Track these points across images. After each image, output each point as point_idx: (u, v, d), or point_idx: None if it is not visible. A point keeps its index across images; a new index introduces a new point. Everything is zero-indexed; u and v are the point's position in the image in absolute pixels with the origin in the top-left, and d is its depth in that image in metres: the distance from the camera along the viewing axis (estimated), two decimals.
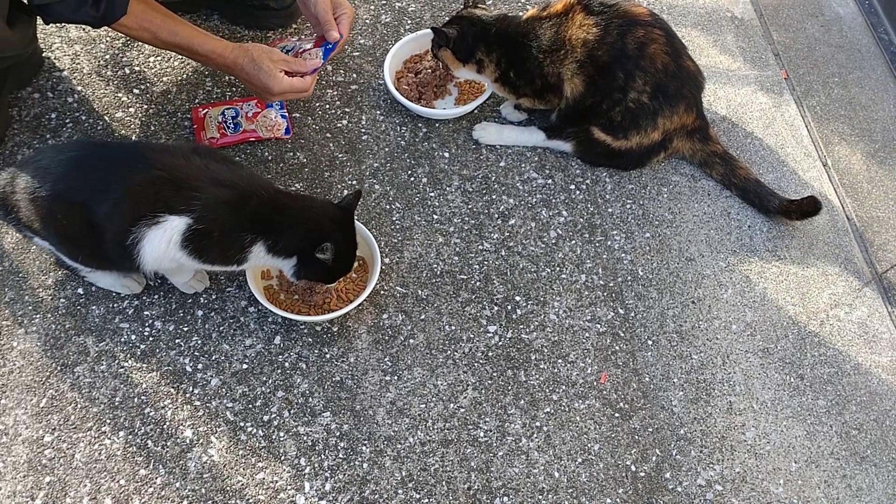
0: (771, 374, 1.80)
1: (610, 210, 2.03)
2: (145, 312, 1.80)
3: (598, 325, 1.85)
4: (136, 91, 2.13)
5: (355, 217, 1.89)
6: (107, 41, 2.22)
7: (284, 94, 1.87)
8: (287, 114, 2.12)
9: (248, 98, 2.13)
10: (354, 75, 2.23)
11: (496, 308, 1.86)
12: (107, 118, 2.08)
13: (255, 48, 1.85)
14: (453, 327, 1.83)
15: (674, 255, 1.97)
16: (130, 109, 2.10)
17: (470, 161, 2.10)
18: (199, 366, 1.74)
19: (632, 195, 2.06)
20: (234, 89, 2.17)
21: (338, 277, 1.72)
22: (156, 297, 1.83)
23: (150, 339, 1.77)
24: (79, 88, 2.13)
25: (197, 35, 1.82)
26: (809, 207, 1.95)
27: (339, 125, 2.14)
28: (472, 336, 1.82)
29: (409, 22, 2.35)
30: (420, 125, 2.15)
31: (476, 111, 2.18)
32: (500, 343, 1.81)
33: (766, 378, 1.80)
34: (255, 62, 1.82)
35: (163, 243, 1.52)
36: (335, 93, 2.19)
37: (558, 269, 1.93)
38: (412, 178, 2.05)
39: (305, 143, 2.09)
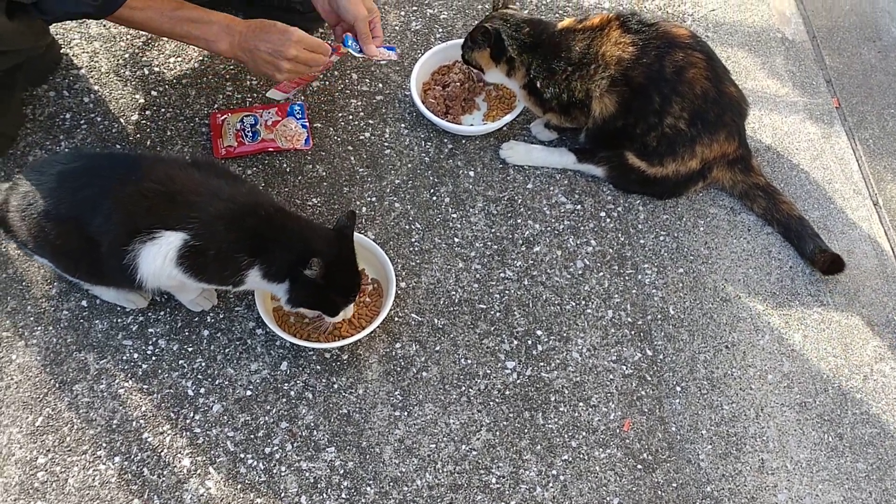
0: (807, 432, 1.68)
1: (642, 241, 1.92)
2: (150, 329, 1.73)
3: (624, 367, 1.74)
4: (153, 93, 2.06)
5: (374, 240, 1.82)
6: (127, 39, 2.14)
7: (303, 41, 1.73)
8: (308, 123, 2.03)
9: (269, 105, 2.04)
10: (380, 85, 2.13)
11: (516, 342, 1.76)
12: (122, 120, 2.01)
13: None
14: (469, 361, 1.73)
15: (708, 294, 1.85)
16: (147, 112, 2.02)
17: (496, 181, 1.99)
18: (202, 390, 1.66)
19: (666, 226, 1.95)
20: (255, 95, 2.08)
21: (340, 307, 1.61)
22: (161, 313, 1.75)
23: (153, 358, 1.70)
24: (96, 88, 2.05)
25: (200, 8, 1.73)
26: (833, 265, 1.85)
27: (361, 137, 2.04)
28: (488, 371, 1.72)
29: (441, 30, 2.25)
30: (445, 141, 2.05)
31: (505, 129, 2.08)
32: (519, 381, 1.71)
33: (803, 435, 1.68)
34: (268, 21, 1.74)
35: (158, 259, 1.46)
36: (359, 103, 2.10)
37: (584, 302, 1.82)
38: (434, 198, 1.96)
39: (325, 156, 2.00)
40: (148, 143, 1.97)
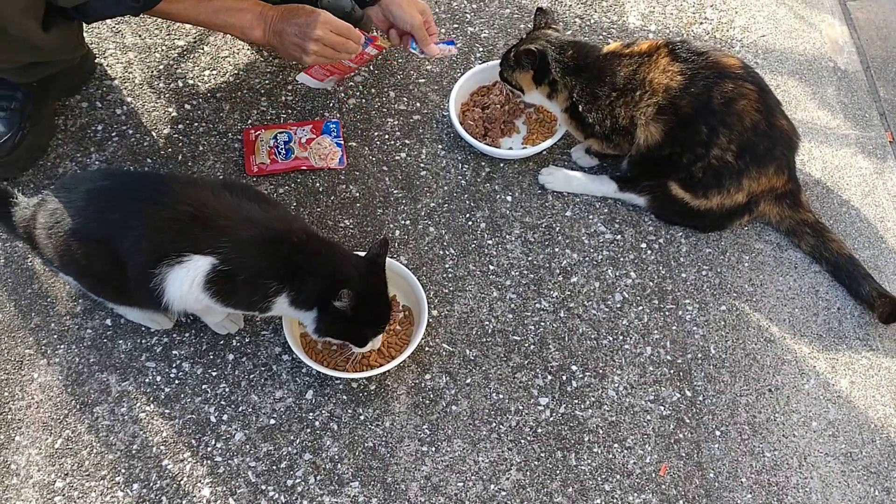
0: (853, 484, 1.60)
1: (683, 275, 1.85)
2: (174, 352, 1.69)
3: (662, 408, 1.67)
4: (187, 106, 2.02)
5: (406, 265, 1.77)
6: (162, 50, 2.11)
7: (330, 22, 1.71)
8: (343, 142, 1.98)
9: (303, 122, 2.00)
10: (418, 104, 2.08)
11: (550, 377, 1.70)
12: (154, 134, 1.97)
13: None
14: (501, 395, 1.67)
15: (752, 333, 1.77)
16: (179, 126, 1.99)
17: (534, 208, 1.93)
18: (225, 417, 1.62)
19: (709, 261, 1.87)
20: (289, 111, 2.04)
21: (368, 338, 1.56)
22: (186, 335, 1.71)
23: (176, 381, 1.65)
24: (128, 100, 2.02)
25: None
26: (893, 315, 1.75)
27: (396, 158, 1.99)
28: (520, 408, 1.66)
29: (481, 49, 2.19)
30: (483, 164, 2.00)
31: (544, 153, 2.02)
32: (552, 419, 1.65)
33: (847, 488, 1.60)
34: (298, 4, 1.74)
35: (185, 283, 1.43)
36: (396, 122, 2.05)
37: (622, 337, 1.76)
38: (470, 223, 1.90)
39: (360, 176, 1.96)
40: (179, 157, 1.94)
